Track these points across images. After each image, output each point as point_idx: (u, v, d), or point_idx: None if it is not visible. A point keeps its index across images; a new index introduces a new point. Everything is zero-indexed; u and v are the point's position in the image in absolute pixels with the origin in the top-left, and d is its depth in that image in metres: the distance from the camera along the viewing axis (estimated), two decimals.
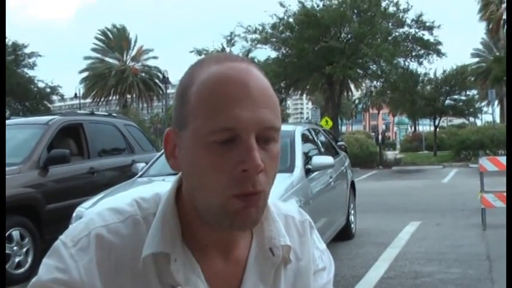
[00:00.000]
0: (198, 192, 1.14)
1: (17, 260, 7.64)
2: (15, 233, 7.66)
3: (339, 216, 9.19)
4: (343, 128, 65.90)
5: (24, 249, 7.77)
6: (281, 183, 6.61)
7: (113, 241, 1.16)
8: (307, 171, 7.55)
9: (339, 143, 15.64)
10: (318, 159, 7.89)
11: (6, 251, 7.49)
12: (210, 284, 1.18)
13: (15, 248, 7.64)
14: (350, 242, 9.69)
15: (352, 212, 10.24)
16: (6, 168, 7.78)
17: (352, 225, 10.13)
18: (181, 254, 1.17)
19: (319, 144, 9.39)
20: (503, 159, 9.98)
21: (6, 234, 7.50)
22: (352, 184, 10.59)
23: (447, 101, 36.91)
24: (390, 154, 35.65)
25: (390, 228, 10.70)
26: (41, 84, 44.45)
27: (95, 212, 1.22)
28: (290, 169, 7.28)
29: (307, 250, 1.35)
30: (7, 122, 10.04)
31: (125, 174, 9.05)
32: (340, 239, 9.22)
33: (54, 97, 48.67)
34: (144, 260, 1.15)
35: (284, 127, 10.14)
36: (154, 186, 6.70)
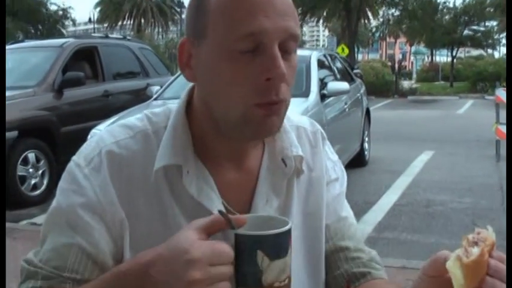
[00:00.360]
0: (217, 103, 1.13)
1: (32, 182, 7.73)
2: (31, 156, 7.73)
3: (353, 142, 9.18)
4: (360, 57, 65.34)
5: (40, 172, 7.85)
6: (296, 107, 6.56)
7: (124, 156, 1.16)
8: (323, 97, 7.49)
9: (354, 71, 15.49)
10: (334, 85, 7.82)
11: (23, 173, 7.57)
12: (222, 195, 1.18)
13: (31, 170, 7.72)
14: (363, 169, 9.72)
15: (367, 139, 10.22)
16: (21, 91, 7.84)
17: (366, 153, 10.14)
18: (194, 166, 1.16)
19: (335, 70, 9.30)
20: None
21: (22, 156, 7.57)
22: (367, 111, 10.53)
23: (465, 32, 36.35)
24: (406, 83, 35.32)
25: (404, 157, 10.71)
26: (53, 7, 44.14)
27: (105, 130, 1.23)
28: (305, 94, 7.23)
29: (319, 161, 1.35)
30: (21, 44, 10.01)
31: (139, 98, 9.04)
32: (353, 166, 9.23)
33: (68, 22, 48.38)
34: (156, 173, 1.15)
35: (300, 52, 10.00)
36: None
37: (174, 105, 1.25)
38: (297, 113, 5.34)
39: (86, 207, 1.12)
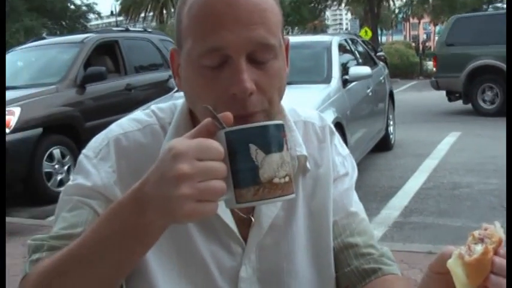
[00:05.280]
0: (195, 112, 1.15)
1: (59, 178, 7.78)
2: (56, 152, 7.77)
3: (378, 127, 9.08)
4: (383, 39, 64.78)
5: (66, 167, 7.89)
6: (318, 94, 6.56)
7: (131, 148, 1.19)
8: (345, 82, 7.42)
9: (378, 54, 15.38)
10: (356, 70, 7.74)
11: (49, 170, 7.62)
12: None
13: (56, 166, 7.77)
14: (389, 153, 9.64)
15: (391, 123, 10.12)
16: (44, 88, 7.96)
17: (391, 136, 10.04)
18: None
19: (357, 54, 9.20)
20: None
21: (48, 153, 7.62)
22: (391, 95, 10.40)
23: (490, 9, 35.84)
24: (431, 64, 34.90)
25: (430, 140, 10.60)
26: (77, 2, 44.52)
27: (114, 123, 1.25)
28: (327, 80, 7.18)
29: (326, 156, 1.33)
30: (43, 41, 10.07)
31: (162, 90, 9.05)
32: (378, 150, 9.18)
33: (91, 15, 48.72)
34: None
35: (321, 37, 10.02)
36: None
37: (180, 100, 1.25)
38: (319, 100, 5.29)
39: (92, 190, 1.15)
